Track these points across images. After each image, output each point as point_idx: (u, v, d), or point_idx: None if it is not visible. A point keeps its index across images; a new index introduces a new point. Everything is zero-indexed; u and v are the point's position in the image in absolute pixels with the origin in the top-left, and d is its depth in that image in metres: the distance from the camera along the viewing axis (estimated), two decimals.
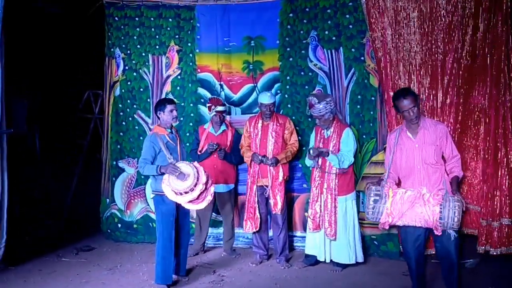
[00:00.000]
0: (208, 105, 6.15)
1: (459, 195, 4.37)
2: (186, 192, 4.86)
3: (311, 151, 5.47)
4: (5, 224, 5.79)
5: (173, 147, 5.15)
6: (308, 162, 5.69)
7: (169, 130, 5.19)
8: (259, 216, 5.92)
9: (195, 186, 4.87)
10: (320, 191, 5.60)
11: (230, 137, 6.18)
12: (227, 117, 6.46)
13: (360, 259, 5.67)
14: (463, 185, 5.26)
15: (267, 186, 5.85)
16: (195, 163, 5.05)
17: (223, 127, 6.15)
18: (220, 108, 6.06)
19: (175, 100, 5.68)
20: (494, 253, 5.10)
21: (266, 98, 5.83)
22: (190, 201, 4.95)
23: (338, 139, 5.56)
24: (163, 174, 4.95)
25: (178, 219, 5.23)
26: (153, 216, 6.77)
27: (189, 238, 5.59)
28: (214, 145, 5.93)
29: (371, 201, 4.51)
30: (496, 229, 5.07)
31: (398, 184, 4.68)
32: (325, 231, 5.55)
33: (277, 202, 5.82)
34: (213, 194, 5.17)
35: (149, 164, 5.03)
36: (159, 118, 5.20)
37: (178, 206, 5.13)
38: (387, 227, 4.62)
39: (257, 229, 5.93)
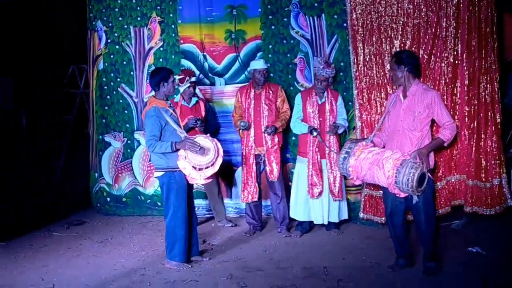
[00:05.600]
0: (180, 77, 5.90)
1: (422, 158, 4.25)
2: (207, 167, 4.67)
3: (313, 132, 5.47)
4: None
5: (176, 120, 4.82)
6: (298, 130, 5.68)
7: (169, 102, 4.92)
8: (257, 186, 5.91)
9: (216, 159, 4.70)
10: (321, 156, 5.61)
11: (203, 107, 6.09)
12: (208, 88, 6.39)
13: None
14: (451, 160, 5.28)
15: (262, 154, 5.83)
16: (209, 136, 4.81)
17: (194, 99, 6.04)
18: (194, 79, 5.98)
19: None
20: (481, 213, 5.18)
21: (260, 64, 5.79)
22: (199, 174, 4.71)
23: (335, 103, 5.62)
24: (177, 150, 4.66)
25: (188, 196, 4.96)
26: (141, 189, 6.85)
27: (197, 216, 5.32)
28: (197, 120, 5.77)
29: (341, 157, 4.54)
30: (482, 190, 5.14)
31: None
32: (332, 194, 5.60)
33: (273, 169, 5.79)
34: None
35: (160, 142, 4.64)
36: (158, 89, 4.80)
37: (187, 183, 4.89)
38: (356, 183, 4.73)
39: (257, 199, 5.90)
